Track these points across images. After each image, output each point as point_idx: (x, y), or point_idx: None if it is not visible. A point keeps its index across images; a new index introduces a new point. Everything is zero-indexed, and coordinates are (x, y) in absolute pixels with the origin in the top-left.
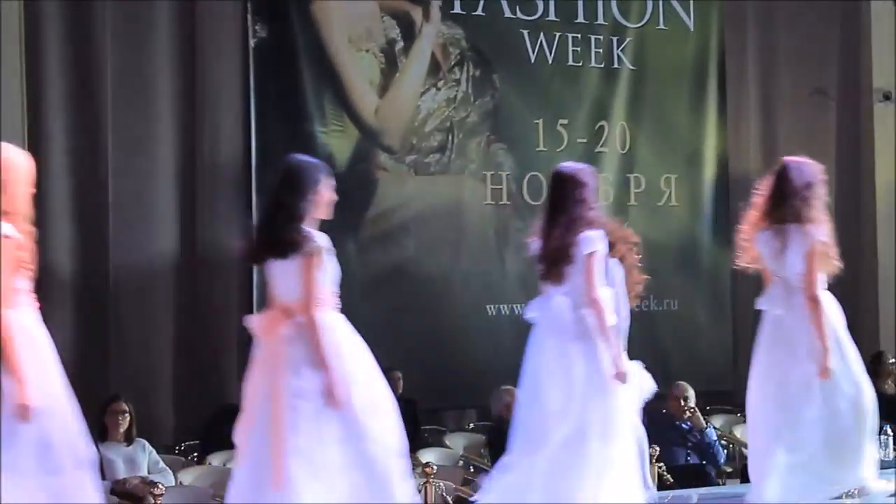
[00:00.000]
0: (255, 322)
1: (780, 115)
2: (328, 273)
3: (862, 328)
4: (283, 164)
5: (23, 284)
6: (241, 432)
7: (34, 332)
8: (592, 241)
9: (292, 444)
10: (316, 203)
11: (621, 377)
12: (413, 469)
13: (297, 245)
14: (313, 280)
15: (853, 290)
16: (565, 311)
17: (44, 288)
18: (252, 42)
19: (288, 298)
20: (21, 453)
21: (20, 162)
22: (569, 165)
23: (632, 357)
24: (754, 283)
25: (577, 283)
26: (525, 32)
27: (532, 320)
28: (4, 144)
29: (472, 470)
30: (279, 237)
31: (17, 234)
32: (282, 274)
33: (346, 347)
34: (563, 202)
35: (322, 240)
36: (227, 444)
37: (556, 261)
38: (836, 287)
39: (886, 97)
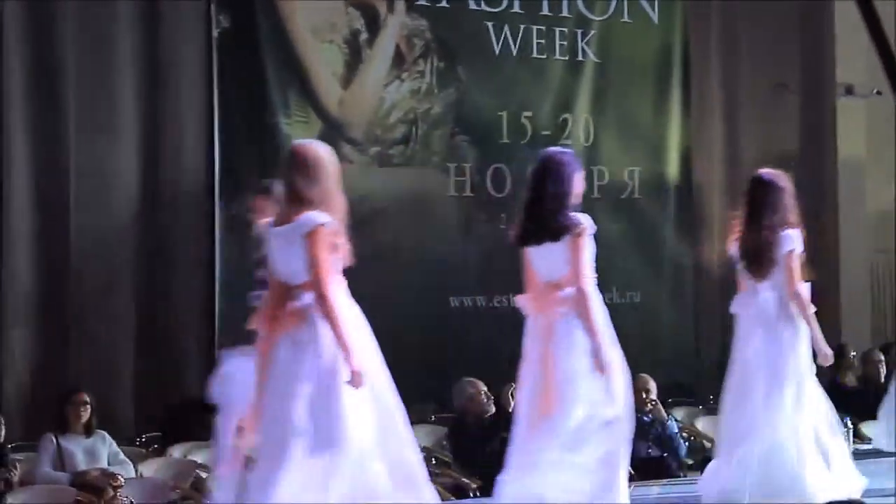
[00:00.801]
0: (525, 301)
1: (744, 109)
2: (591, 252)
3: (824, 322)
4: (544, 157)
5: (337, 266)
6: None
7: (349, 310)
8: (792, 240)
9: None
10: (574, 192)
11: (826, 358)
12: None
13: (569, 229)
14: (582, 258)
15: (815, 283)
16: (771, 305)
17: (3, 280)
18: (215, 32)
19: (554, 276)
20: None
21: (329, 158)
22: (768, 171)
23: None
24: (717, 278)
25: (779, 279)
26: (489, 24)
27: (737, 313)
28: (315, 142)
29: (433, 462)
30: (551, 223)
31: (332, 221)
32: (548, 255)
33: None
34: (764, 205)
35: (587, 222)
36: (189, 436)
37: (761, 258)
38: None
39: (849, 91)
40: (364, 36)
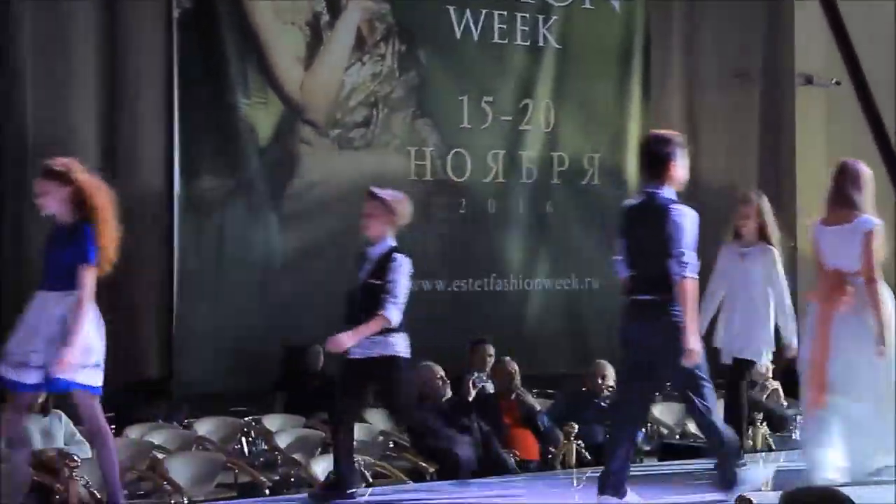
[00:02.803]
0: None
1: (704, 97)
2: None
3: None
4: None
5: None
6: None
7: (887, 291)
8: None
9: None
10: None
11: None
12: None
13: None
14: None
15: None
16: None
17: None
18: (176, 13)
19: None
20: None
21: (871, 175)
22: None
23: (552, 334)
24: None
25: None
26: (451, 9)
27: None
28: (860, 162)
29: (391, 446)
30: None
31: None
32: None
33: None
34: None
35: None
36: (144, 417)
37: None
38: None
39: (809, 81)
40: (326, 18)
